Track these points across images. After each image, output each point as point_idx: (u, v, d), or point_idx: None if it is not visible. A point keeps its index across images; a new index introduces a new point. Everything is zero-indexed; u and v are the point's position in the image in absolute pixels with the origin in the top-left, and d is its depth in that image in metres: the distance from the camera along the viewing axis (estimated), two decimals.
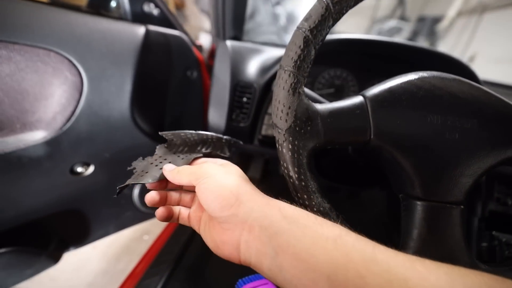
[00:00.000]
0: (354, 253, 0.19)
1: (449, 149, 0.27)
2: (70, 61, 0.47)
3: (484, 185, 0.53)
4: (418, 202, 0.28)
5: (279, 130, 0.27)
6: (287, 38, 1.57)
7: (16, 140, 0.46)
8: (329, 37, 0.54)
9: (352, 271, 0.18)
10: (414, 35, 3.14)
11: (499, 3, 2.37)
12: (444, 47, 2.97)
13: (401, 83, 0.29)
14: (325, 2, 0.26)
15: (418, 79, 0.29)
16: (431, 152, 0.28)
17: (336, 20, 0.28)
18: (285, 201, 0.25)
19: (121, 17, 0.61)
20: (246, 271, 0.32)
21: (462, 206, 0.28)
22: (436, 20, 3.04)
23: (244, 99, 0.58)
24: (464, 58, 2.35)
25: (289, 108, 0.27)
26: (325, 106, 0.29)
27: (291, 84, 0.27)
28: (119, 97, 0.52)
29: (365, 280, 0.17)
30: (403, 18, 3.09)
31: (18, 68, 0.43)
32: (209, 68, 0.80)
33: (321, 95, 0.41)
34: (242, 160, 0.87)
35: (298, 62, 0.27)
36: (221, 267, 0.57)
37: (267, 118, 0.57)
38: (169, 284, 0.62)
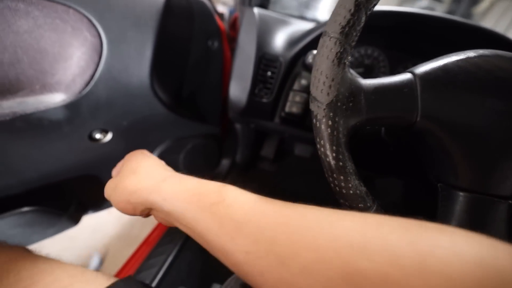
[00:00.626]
0: (209, 213, 0.23)
1: (507, 139, 0.25)
2: (90, 21, 0.44)
3: None
4: (461, 193, 0.26)
5: (319, 104, 0.24)
6: (309, 14, 1.46)
7: (36, 102, 0.45)
8: None
9: (212, 225, 0.23)
10: None
11: None
12: None
13: (458, 61, 0.26)
14: None
15: (479, 57, 0.26)
16: (485, 140, 0.25)
17: None
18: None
19: None
20: None
21: (510, 201, 0.25)
22: (474, 0, 2.77)
23: (269, 73, 0.55)
24: None
25: (333, 80, 0.24)
26: (369, 81, 0.26)
27: (336, 54, 0.24)
28: (139, 63, 0.50)
29: (218, 231, 0.22)
30: None
31: (37, 24, 0.41)
32: (230, 39, 0.76)
33: None
34: (256, 138, 0.85)
35: (347, 29, 0.23)
36: None
37: (292, 94, 0.54)
38: (182, 252, 0.65)
